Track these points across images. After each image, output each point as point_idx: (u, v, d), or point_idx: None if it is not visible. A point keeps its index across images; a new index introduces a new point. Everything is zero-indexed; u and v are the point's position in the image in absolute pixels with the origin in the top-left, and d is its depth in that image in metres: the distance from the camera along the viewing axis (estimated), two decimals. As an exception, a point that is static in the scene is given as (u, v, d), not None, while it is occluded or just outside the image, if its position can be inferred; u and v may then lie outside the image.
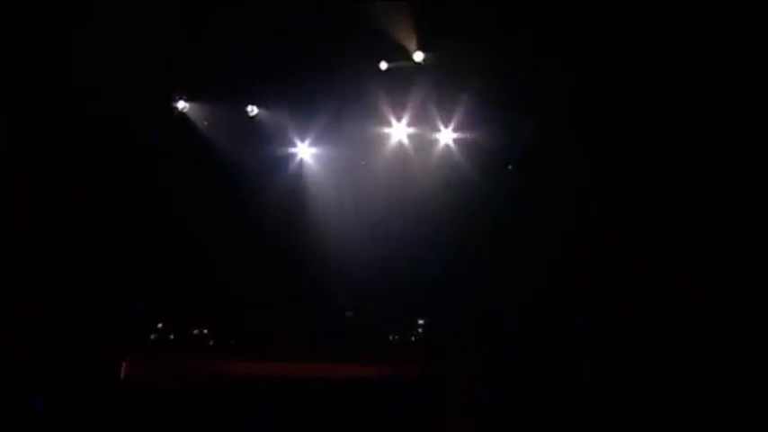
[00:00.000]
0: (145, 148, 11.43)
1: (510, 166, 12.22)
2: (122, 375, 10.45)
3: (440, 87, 11.89)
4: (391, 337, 12.31)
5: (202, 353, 11.94)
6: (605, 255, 11.40)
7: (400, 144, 12.34)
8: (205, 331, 12.35)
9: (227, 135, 12.52)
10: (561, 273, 11.39)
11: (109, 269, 10.84)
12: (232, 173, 12.37)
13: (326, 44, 11.64)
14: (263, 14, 11.39)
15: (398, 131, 12.37)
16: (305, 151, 12.76)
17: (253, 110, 12.65)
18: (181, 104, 12.43)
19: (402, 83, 11.97)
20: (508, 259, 11.75)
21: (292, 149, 12.72)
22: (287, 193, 12.58)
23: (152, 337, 12.23)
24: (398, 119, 12.24)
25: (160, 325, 12.27)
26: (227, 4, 11.19)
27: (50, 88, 9.97)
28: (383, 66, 11.97)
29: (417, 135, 12.35)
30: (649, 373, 10.46)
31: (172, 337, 12.34)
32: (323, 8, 11.25)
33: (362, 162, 12.65)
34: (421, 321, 12.35)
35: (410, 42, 11.70)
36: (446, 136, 12.26)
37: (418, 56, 11.86)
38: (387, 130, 12.27)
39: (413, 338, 12.29)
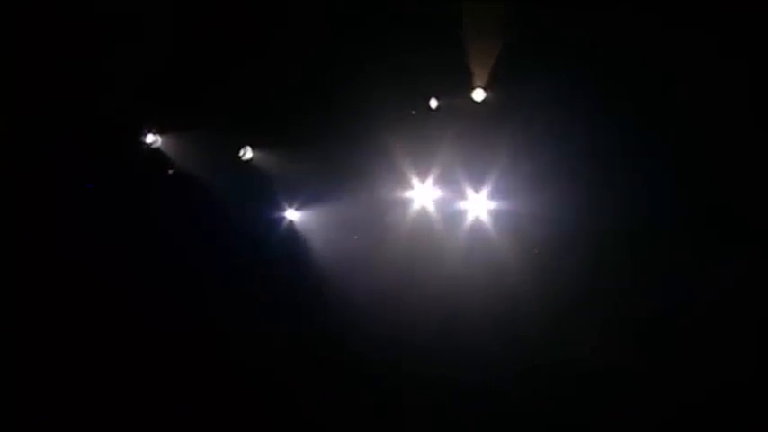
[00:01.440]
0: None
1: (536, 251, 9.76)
2: None
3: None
4: None
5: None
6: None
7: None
8: None
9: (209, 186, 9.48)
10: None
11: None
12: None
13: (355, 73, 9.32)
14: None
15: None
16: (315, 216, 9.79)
17: (246, 152, 9.48)
18: (150, 138, 9.33)
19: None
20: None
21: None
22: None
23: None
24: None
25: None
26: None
27: (47, 91, 9.29)
28: (433, 104, 9.53)
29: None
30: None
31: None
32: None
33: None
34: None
35: (478, 75, 9.31)
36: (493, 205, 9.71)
37: (478, 94, 9.47)
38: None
39: None
